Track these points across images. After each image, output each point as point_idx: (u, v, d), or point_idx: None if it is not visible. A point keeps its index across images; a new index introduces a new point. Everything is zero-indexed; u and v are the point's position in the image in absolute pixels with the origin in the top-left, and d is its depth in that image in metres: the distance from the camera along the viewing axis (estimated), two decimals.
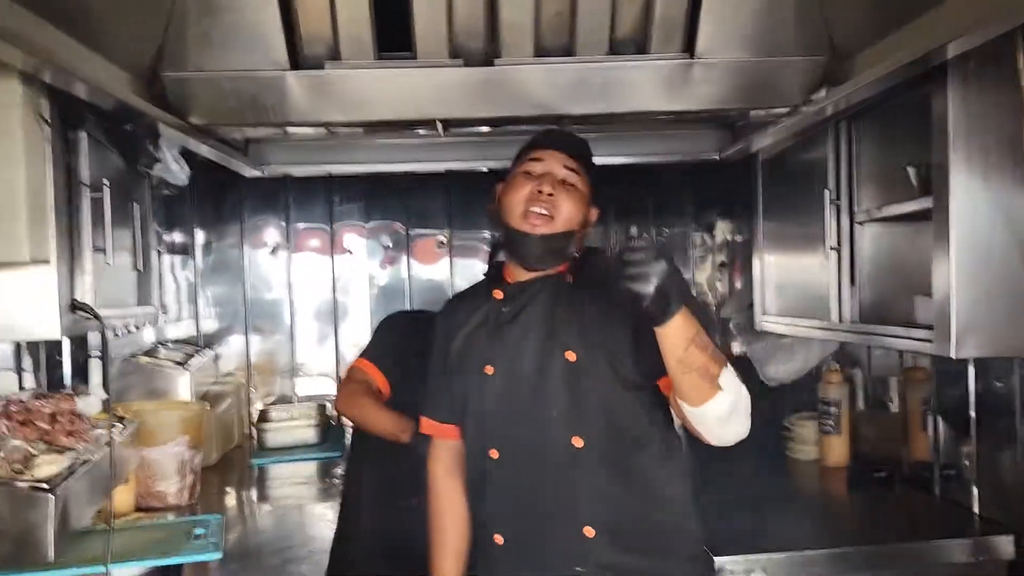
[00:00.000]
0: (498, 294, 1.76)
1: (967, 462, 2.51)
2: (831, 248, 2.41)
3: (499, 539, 1.68)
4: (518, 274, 1.76)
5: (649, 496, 1.65)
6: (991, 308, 1.85)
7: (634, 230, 1.46)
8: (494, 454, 1.69)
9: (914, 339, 2.05)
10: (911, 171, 2.09)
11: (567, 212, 1.68)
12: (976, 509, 2.45)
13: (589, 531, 1.61)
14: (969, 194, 1.85)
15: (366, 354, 2.43)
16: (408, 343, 2.40)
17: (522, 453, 1.67)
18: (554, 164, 1.71)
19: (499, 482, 1.69)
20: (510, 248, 1.73)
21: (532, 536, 1.65)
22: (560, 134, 1.81)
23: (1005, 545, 2.24)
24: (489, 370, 1.71)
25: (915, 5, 1.82)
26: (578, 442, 1.62)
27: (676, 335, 1.43)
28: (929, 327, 1.96)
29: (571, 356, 1.64)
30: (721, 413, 1.49)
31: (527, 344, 1.68)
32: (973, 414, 2.47)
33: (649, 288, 1.36)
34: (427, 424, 1.89)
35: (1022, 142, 1.75)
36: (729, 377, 1.49)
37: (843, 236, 2.40)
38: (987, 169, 1.85)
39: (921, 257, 2.27)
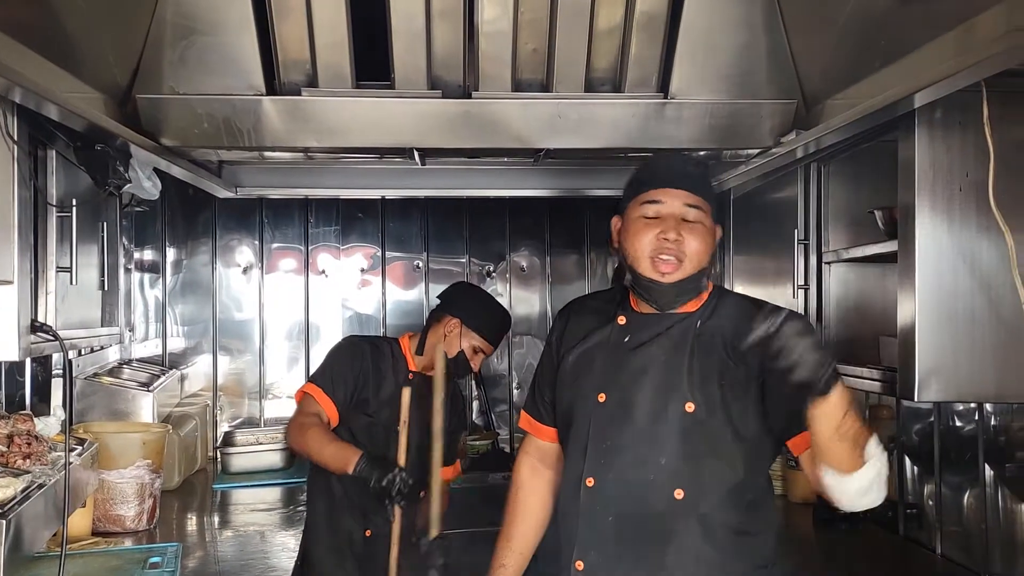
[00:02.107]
0: (621, 320, 1.68)
1: (930, 502, 2.53)
2: (799, 287, 2.44)
3: (580, 565, 1.63)
4: (644, 306, 1.68)
5: (741, 558, 1.59)
6: (955, 353, 1.87)
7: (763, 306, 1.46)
8: (590, 482, 1.63)
9: (878, 380, 2.07)
10: (878, 214, 2.12)
11: (696, 252, 1.60)
12: (939, 549, 2.46)
13: None
14: (934, 239, 1.87)
15: (316, 379, 2.37)
16: (359, 369, 2.36)
17: (620, 491, 1.60)
18: (675, 204, 1.61)
19: (590, 511, 1.63)
20: (640, 291, 1.65)
21: (612, 573, 1.60)
22: (677, 169, 1.68)
23: None
24: (602, 398, 1.64)
25: (882, 55, 1.85)
26: (680, 494, 1.56)
27: (837, 404, 1.39)
28: (893, 368, 1.99)
29: (690, 407, 1.57)
30: (864, 484, 1.46)
31: (645, 383, 1.61)
32: (937, 453, 2.50)
33: (813, 360, 1.33)
34: (525, 420, 1.86)
35: (988, 190, 1.78)
36: (873, 447, 1.45)
37: (811, 275, 2.43)
38: (951, 215, 1.88)
39: (887, 298, 2.30)
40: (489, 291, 3.99)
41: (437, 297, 2.55)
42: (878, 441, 1.47)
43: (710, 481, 1.57)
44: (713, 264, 1.68)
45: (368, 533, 2.29)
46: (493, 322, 2.44)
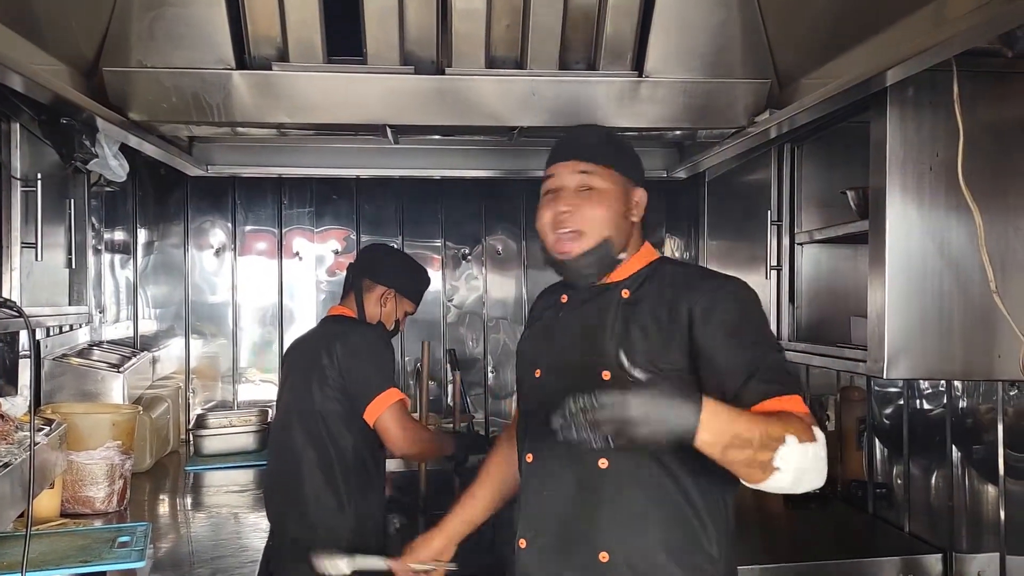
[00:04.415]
0: (564, 298, 1.71)
1: (899, 481, 2.57)
2: (772, 267, 2.45)
3: (523, 543, 1.64)
4: None
5: (675, 527, 1.54)
6: (923, 331, 1.89)
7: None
8: (529, 458, 1.66)
9: (848, 359, 2.08)
10: (850, 194, 2.13)
11: (594, 220, 1.58)
12: (907, 527, 2.50)
13: (604, 556, 1.54)
14: (904, 219, 1.89)
15: (395, 382, 2.38)
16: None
17: (552, 465, 1.62)
18: (565, 176, 1.62)
19: (530, 488, 1.65)
20: (554, 269, 1.67)
21: (551, 550, 1.60)
22: (569, 142, 1.69)
23: (933, 564, 2.29)
24: (538, 373, 1.68)
25: (856, 33, 1.86)
26: (603, 463, 1.55)
27: (709, 448, 1.32)
28: (863, 347, 2.00)
29: (606, 375, 1.55)
30: (781, 487, 1.40)
31: (570, 354, 1.64)
32: (906, 434, 2.53)
33: (645, 435, 1.26)
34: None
35: (957, 169, 1.79)
36: (787, 453, 1.34)
37: (784, 256, 2.45)
38: (922, 195, 1.89)
39: (858, 279, 2.32)
40: (465, 275, 4.02)
41: (355, 264, 2.62)
42: (794, 443, 1.35)
43: (633, 451, 1.51)
44: (633, 228, 1.65)
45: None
46: (422, 286, 2.63)
